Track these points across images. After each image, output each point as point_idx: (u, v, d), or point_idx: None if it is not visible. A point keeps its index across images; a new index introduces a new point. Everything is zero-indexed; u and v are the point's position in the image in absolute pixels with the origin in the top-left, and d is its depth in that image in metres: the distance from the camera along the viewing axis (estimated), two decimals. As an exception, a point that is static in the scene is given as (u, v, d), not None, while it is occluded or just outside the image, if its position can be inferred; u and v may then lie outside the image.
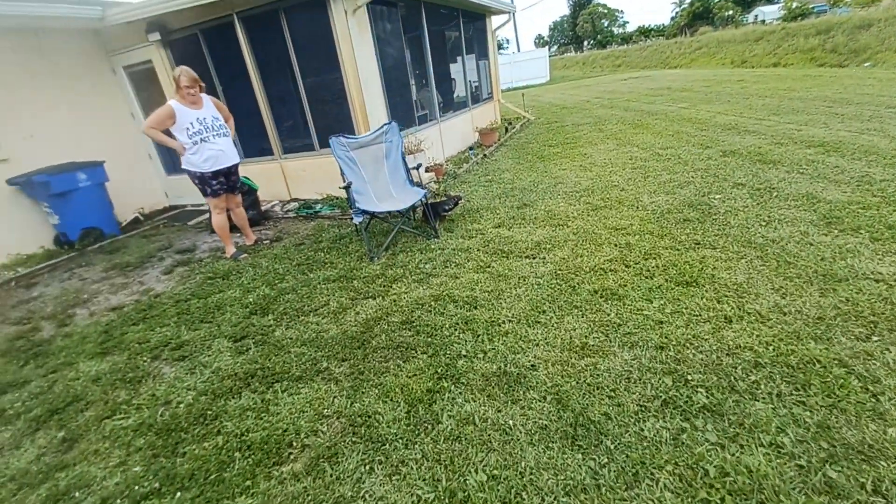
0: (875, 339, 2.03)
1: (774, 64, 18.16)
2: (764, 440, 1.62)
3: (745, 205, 3.67)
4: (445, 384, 2.16)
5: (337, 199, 5.61)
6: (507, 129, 9.30)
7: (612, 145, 6.59)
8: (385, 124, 4.30)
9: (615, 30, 70.39)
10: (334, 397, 2.22)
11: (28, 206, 5.47)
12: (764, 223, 3.29)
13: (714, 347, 2.11)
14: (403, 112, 6.30)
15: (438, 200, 4.56)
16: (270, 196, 6.20)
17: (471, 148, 7.67)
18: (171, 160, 6.77)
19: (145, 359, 2.87)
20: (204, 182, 4.09)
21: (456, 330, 2.60)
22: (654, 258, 3.03)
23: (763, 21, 41.18)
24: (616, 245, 3.31)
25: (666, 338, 2.22)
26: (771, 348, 2.05)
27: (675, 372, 1.99)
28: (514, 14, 10.83)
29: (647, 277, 2.81)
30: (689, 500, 1.47)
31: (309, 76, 5.41)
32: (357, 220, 3.79)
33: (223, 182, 4.19)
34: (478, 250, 3.64)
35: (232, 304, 3.41)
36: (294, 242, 4.62)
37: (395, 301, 3.06)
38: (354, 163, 4.20)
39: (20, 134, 5.46)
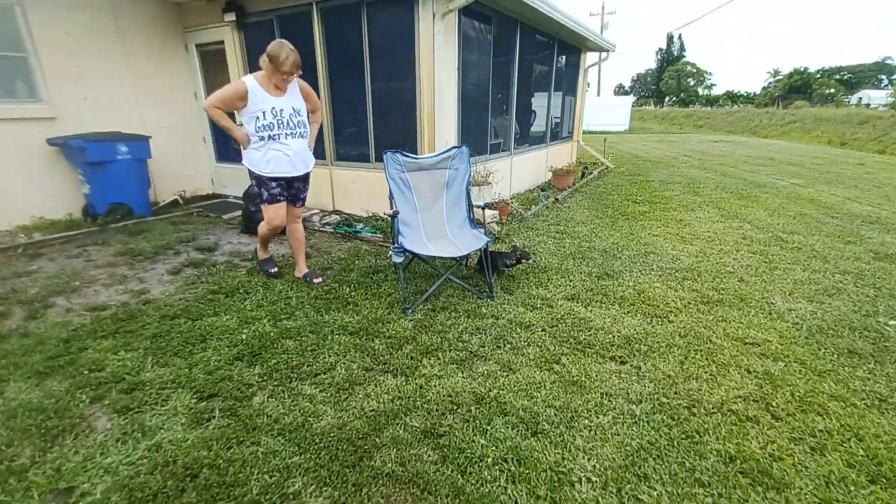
0: None
1: (880, 151, 16.25)
2: None
3: (944, 346, 2.53)
4: None
5: (381, 220, 4.90)
6: (583, 174, 8.37)
7: (713, 215, 5.49)
8: (453, 147, 3.53)
9: (700, 90, 68.30)
10: (292, 566, 1.36)
11: (65, 171, 5.15)
12: None
13: None
14: (476, 137, 5.56)
15: (500, 251, 3.70)
16: (312, 203, 5.60)
17: (542, 189, 6.80)
18: (225, 146, 6.39)
19: (85, 398, 2.16)
20: (261, 184, 3.24)
21: (502, 472, 1.69)
22: (819, 413, 1.98)
23: (868, 105, 38.24)
24: (750, 372, 2.29)
25: None
26: None
27: None
28: (609, 54, 10.01)
29: (815, 451, 1.77)
30: None
31: (379, 80, 4.80)
32: (397, 259, 2.99)
33: (283, 185, 3.30)
34: (542, 331, 2.72)
35: (220, 338, 2.68)
36: (321, 265, 3.89)
37: (421, 388, 2.20)
38: (408, 187, 3.44)
39: (76, 95, 5.19)
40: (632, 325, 2.77)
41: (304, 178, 3.41)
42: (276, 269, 3.54)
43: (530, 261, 3.44)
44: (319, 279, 3.52)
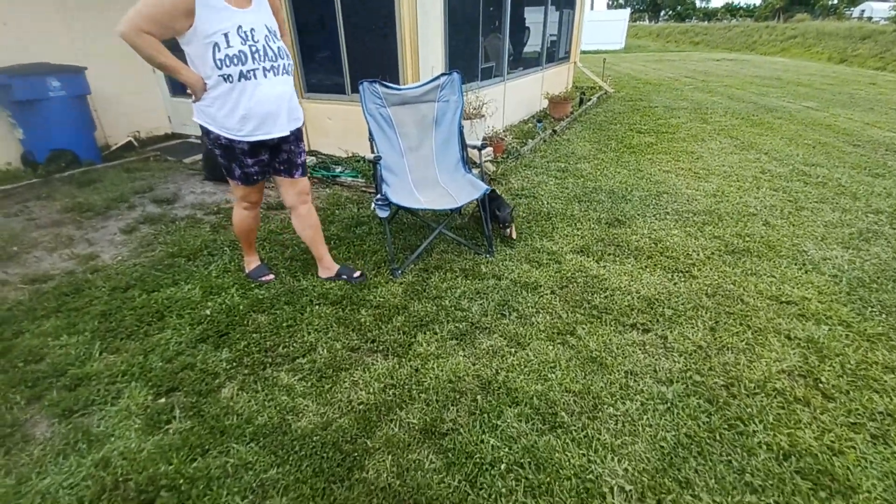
0: None
1: (880, 68, 15.53)
2: None
3: None
4: None
5: (362, 160, 4.38)
6: (581, 101, 7.70)
7: (727, 145, 5.04)
8: (442, 75, 2.97)
9: (698, 2, 64.14)
10: None
11: (-7, 112, 4.44)
12: None
13: None
14: (465, 61, 4.87)
15: (497, 195, 3.27)
16: (285, 143, 4.99)
17: (538, 120, 6.20)
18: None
19: (20, 398, 1.82)
20: (231, 155, 2.11)
21: (519, 482, 1.43)
22: (876, 390, 1.73)
23: (870, 18, 36.39)
24: (791, 338, 2.02)
25: None
26: None
27: None
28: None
29: (877, 439, 1.54)
30: None
31: (350, -9, 4.03)
32: (381, 214, 2.57)
33: (263, 161, 2.20)
34: (551, 293, 2.40)
35: (181, 313, 2.31)
36: (297, 218, 3.44)
37: (417, 371, 1.90)
38: (390, 124, 2.93)
39: (-9, 18, 4.33)
40: (651, 282, 2.46)
41: (297, 137, 2.28)
42: (271, 276, 2.59)
43: (506, 228, 2.95)
44: (359, 274, 2.58)
